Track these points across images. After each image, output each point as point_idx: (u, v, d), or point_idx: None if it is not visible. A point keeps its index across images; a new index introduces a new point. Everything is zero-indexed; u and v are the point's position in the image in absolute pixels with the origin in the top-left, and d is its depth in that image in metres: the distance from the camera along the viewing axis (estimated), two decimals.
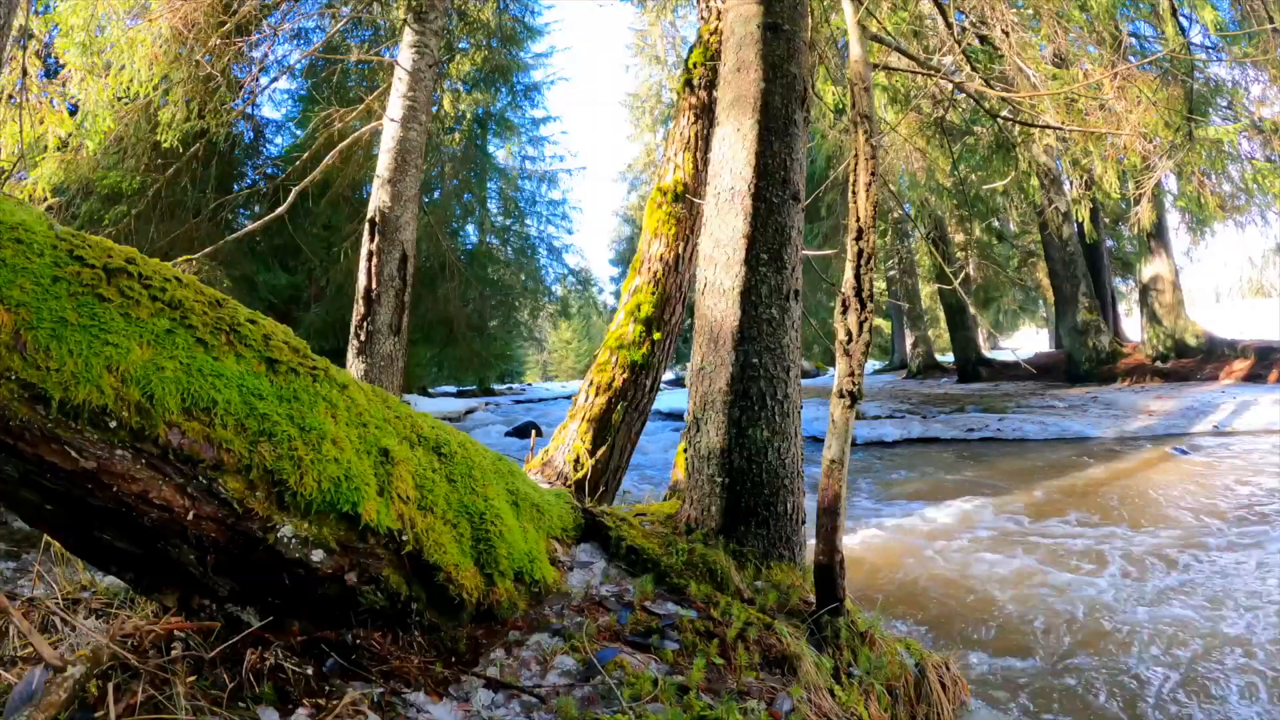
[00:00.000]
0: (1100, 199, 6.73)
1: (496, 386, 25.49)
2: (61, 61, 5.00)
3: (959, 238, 17.07)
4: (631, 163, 30.35)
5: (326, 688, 1.38)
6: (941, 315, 21.46)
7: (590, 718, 1.40)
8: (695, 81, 4.06)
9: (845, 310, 2.02)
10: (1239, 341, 13.18)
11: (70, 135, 5.33)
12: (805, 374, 23.38)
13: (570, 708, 1.40)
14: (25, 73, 4.66)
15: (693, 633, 1.79)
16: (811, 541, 2.15)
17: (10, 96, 4.76)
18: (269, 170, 13.14)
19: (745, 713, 1.49)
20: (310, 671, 1.40)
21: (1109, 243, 16.69)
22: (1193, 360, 13.17)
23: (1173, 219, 13.32)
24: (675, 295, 3.93)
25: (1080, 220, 8.89)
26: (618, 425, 3.77)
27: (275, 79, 7.40)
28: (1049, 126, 4.91)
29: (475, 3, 13.61)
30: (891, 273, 19.84)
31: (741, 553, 2.31)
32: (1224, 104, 7.02)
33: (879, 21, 5.36)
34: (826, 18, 5.25)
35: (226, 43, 5.11)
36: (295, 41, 9.51)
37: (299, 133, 13.13)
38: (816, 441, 8.99)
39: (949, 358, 21.73)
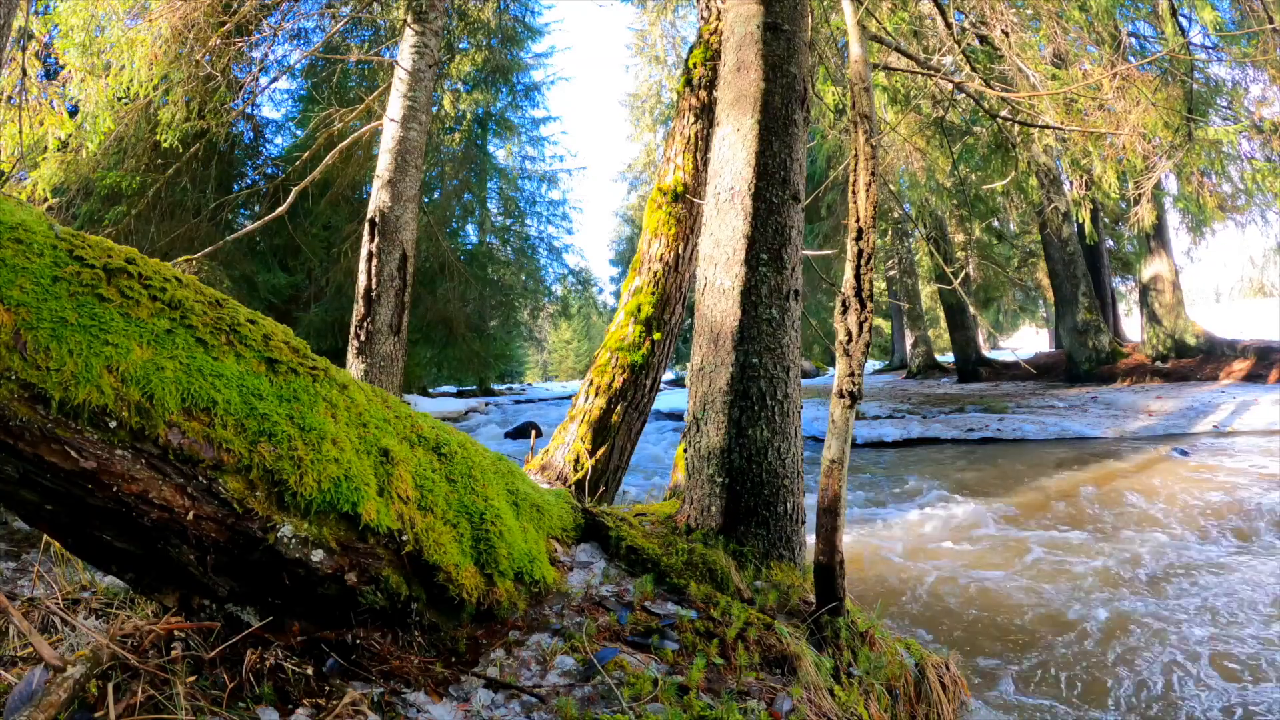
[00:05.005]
0: (1100, 199, 6.73)
1: (496, 386, 25.50)
2: (61, 62, 5.00)
3: (959, 238, 17.06)
4: (631, 163, 30.38)
5: (326, 688, 1.38)
6: (941, 315, 21.47)
7: (590, 718, 1.40)
8: (695, 81, 4.06)
9: (845, 310, 2.02)
10: (1239, 341, 13.17)
11: (70, 136, 5.32)
12: (805, 374, 23.41)
13: (570, 708, 1.40)
14: (25, 73, 4.66)
15: (693, 633, 1.79)
16: (811, 541, 2.15)
17: (10, 97, 4.75)
18: (269, 170, 13.15)
19: (745, 713, 1.49)
20: (310, 671, 1.40)
21: (1109, 243, 16.68)
22: (1193, 360, 13.16)
23: (1173, 219, 13.31)
24: (675, 295, 3.93)
25: (1080, 220, 8.89)
26: (617, 425, 3.77)
27: (275, 79, 7.40)
28: (1049, 126, 4.91)
29: (475, 3, 13.61)
30: (891, 273, 19.84)
31: (741, 553, 2.31)
32: (1224, 104, 7.02)
33: (879, 21, 5.36)
34: (826, 18, 5.25)
35: (226, 43, 5.11)
36: (295, 41, 9.52)
37: (299, 133, 13.15)
38: (816, 441, 8.99)
39: (949, 358, 21.74)
